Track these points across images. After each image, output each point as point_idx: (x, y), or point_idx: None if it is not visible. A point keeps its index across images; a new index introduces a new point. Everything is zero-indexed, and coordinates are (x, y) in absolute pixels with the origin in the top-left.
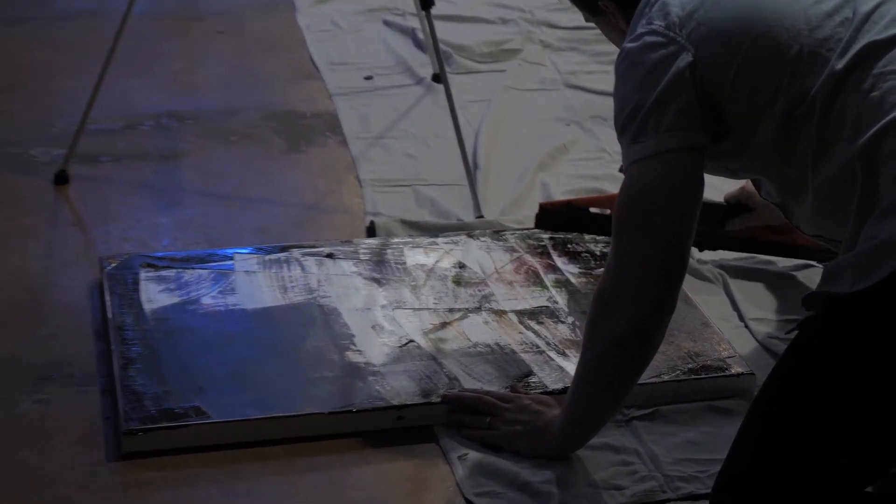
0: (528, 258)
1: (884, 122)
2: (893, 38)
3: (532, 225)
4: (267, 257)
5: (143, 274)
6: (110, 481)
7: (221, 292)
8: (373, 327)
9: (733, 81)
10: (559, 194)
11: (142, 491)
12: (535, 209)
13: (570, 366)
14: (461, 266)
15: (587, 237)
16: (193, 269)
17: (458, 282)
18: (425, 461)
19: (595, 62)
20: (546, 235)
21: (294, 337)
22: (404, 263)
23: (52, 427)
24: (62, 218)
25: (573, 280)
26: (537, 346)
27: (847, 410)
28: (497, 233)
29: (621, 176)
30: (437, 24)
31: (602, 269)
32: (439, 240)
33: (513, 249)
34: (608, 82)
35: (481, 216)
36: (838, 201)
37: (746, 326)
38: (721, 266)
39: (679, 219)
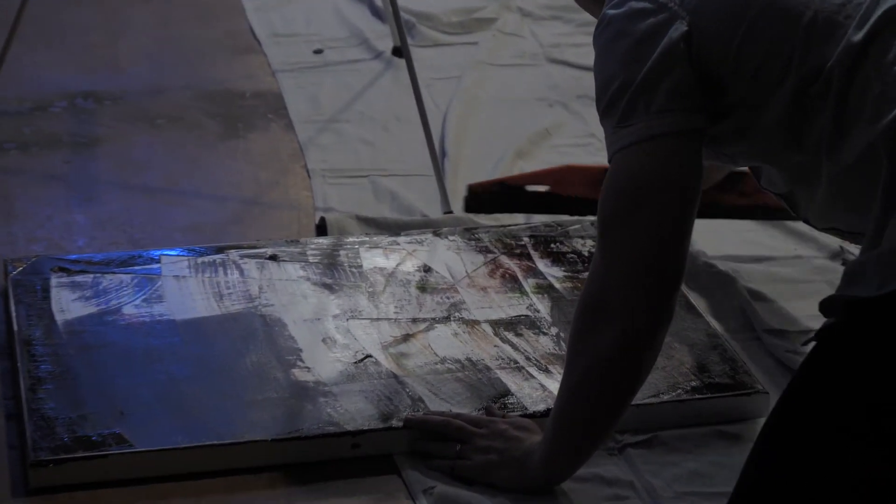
0: (505, 260)
1: None
2: None
3: (508, 221)
4: (199, 260)
5: (54, 280)
6: None
7: (146, 300)
8: (323, 341)
9: (736, 55)
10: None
11: None
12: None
13: (554, 384)
14: (426, 269)
15: (573, 237)
16: (113, 273)
17: (422, 288)
18: (385, 496)
19: (582, 33)
20: (526, 235)
21: (231, 352)
22: (360, 267)
23: None
24: None
25: (557, 285)
26: (515, 362)
27: (871, 439)
28: (468, 231)
29: None
30: None
31: None
32: (401, 239)
33: (487, 250)
34: None
35: (450, 211)
36: (858, 191)
37: (760, 338)
38: (732, 268)
39: (675, 213)
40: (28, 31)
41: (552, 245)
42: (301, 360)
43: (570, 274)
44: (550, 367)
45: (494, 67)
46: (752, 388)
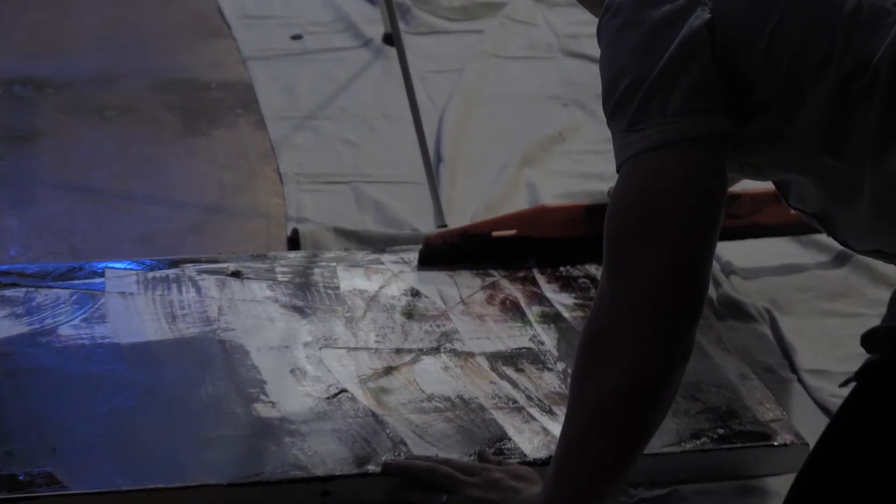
0: (506, 284)
1: None
2: None
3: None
4: (150, 274)
5: None
6: None
7: (86, 320)
8: (291, 372)
9: (766, 47)
10: (550, 197)
11: None
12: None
13: (558, 427)
14: (414, 293)
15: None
16: (50, 287)
17: (409, 314)
18: None
19: None
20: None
21: (184, 382)
22: (337, 288)
23: None
24: None
25: (566, 314)
26: (514, 401)
27: None
28: None
29: None
30: None
31: None
32: (386, 257)
33: (486, 273)
34: None
35: (444, 226)
36: None
37: (800, 380)
38: (770, 297)
39: (696, 232)
40: None
41: (561, 268)
42: (265, 394)
43: (580, 301)
44: (555, 409)
45: (501, 60)
46: (789, 438)
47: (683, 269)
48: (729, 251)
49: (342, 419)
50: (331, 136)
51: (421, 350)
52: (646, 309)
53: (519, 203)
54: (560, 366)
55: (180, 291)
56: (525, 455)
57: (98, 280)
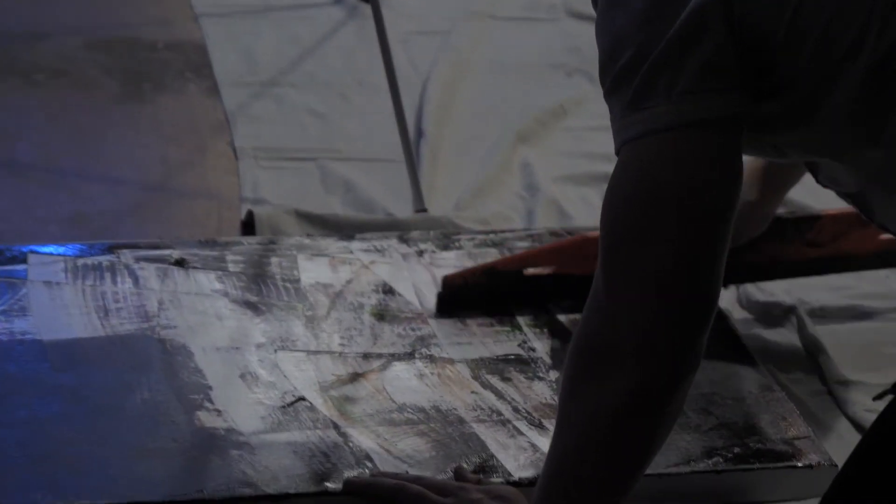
0: None
1: None
2: None
3: (500, 225)
4: (81, 261)
5: None
6: None
7: (5, 313)
8: (242, 376)
9: (792, 20)
10: (547, 181)
11: None
12: (508, 200)
13: (549, 443)
14: (387, 290)
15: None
16: None
17: (380, 315)
18: None
19: None
20: (525, 245)
21: (117, 386)
22: (297, 281)
23: None
24: None
25: (561, 317)
26: (499, 413)
27: None
28: (447, 237)
29: None
30: None
31: None
32: (355, 245)
33: (471, 265)
34: None
35: (424, 210)
36: None
37: (830, 392)
38: (798, 299)
39: (706, 227)
40: None
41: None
42: (210, 401)
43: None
44: (545, 422)
45: (495, 21)
46: (815, 457)
47: (692, 272)
48: None
49: (299, 431)
50: (295, 106)
51: (392, 355)
52: (648, 317)
53: (512, 186)
54: (553, 375)
55: (115, 282)
56: (510, 474)
57: (19, 267)
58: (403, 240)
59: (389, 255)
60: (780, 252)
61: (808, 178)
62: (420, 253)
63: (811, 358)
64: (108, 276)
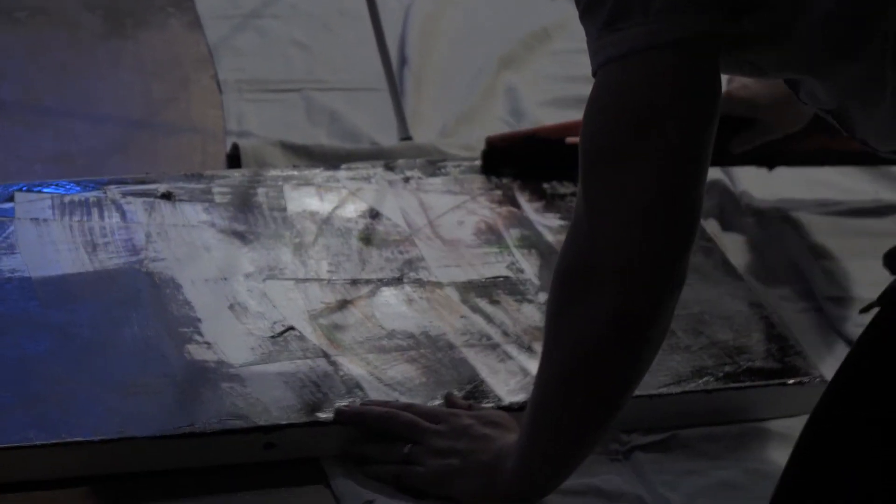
0: (482, 203)
1: None
2: None
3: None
4: (67, 198)
5: None
6: None
7: None
8: (231, 307)
9: None
10: (532, 105)
11: None
12: (494, 126)
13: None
14: (374, 215)
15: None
16: None
17: (367, 239)
18: None
19: None
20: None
21: (105, 321)
22: (284, 210)
23: None
24: None
25: (550, 237)
26: (489, 337)
27: None
28: (433, 164)
29: None
30: None
31: None
32: (341, 174)
33: (457, 190)
34: None
35: (409, 138)
36: None
37: (821, 308)
38: (787, 216)
39: (686, 147)
40: None
41: (545, 185)
42: (199, 333)
43: (567, 223)
44: (535, 345)
45: None
46: (806, 374)
47: (672, 191)
48: (743, 170)
49: (289, 361)
50: (278, 38)
51: (381, 280)
52: (630, 236)
53: (498, 112)
54: (542, 297)
55: (102, 217)
56: (500, 398)
57: (6, 205)
58: (389, 168)
59: (376, 183)
60: (829, 143)
61: None
62: (406, 180)
63: (802, 276)
64: (94, 211)
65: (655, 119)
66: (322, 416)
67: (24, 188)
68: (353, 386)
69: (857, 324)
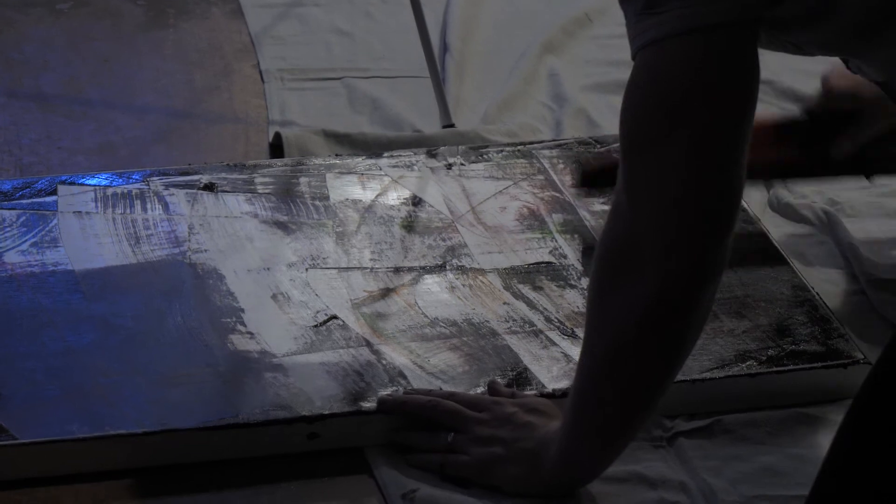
0: (525, 189)
1: None
2: None
3: (528, 137)
4: (110, 191)
5: None
6: None
7: (36, 245)
8: (273, 297)
9: None
10: (575, 90)
11: None
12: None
13: None
14: (416, 202)
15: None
16: None
17: (409, 227)
18: (351, 503)
19: None
20: (553, 155)
21: (149, 313)
22: (326, 199)
23: None
24: None
25: (592, 222)
26: (531, 324)
27: None
28: (476, 150)
29: None
30: None
31: None
32: (383, 162)
33: (499, 176)
34: None
35: (451, 125)
36: None
37: (864, 292)
38: (827, 197)
39: (726, 130)
40: None
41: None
42: (242, 324)
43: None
44: (578, 331)
45: None
46: (850, 357)
47: (712, 173)
48: None
49: (332, 350)
50: (320, 26)
51: (423, 268)
52: (670, 218)
53: (539, 97)
54: (584, 282)
55: (144, 209)
56: (543, 385)
57: (49, 198)
58: (432, 155)
59: (418, 170)
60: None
61: None
62: (448, 166)
63: (844, 258)
64: (137, 203)
65: (691, 103)
66: (365, 405)
67: (66, 180)
68: (396, 375)
69: None
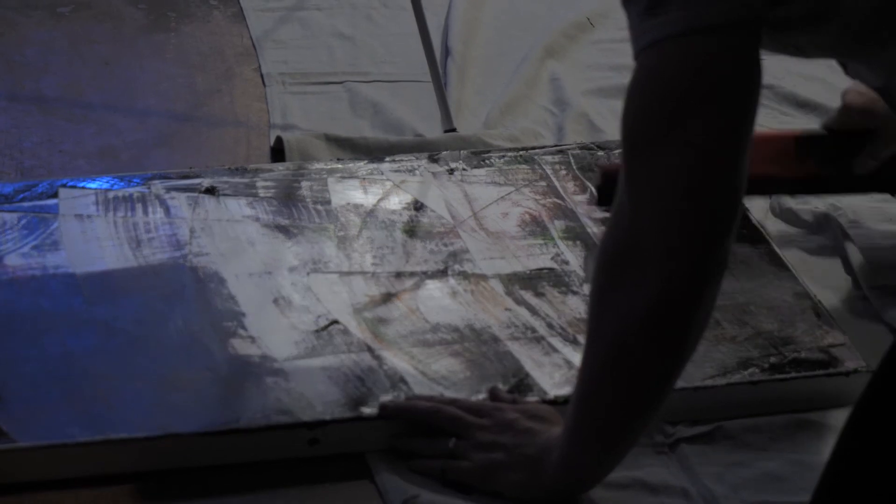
0: (527, 195)
1: None
2: None
3: (530, 141)
4: (111, 194)
5: None
6: None
7: (37, 248)
8: (275, 301)
9: None
10: (577, 94)
11: None
12: (537, 116)
13: None
14: (418, 207)
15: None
16: None
17: (411, 231)
18: None
19: None
20: (556, 161)
21: (150, 317)
22: (328, 203)
23: None
24: None
25: (593, 229)
26: (534, 330)
27: None
28: (477, 155)
29: None
30: None
31: None
32: (385, 166)
33: (501, 182)
34: None
35: (453, 129)
36: None
37: (867, 298)
38: (828, 202)
39: (728, 131)
40: None
41: (591, 173)
42: (243, 328)
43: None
44: (580, 338)
45: None
46: (851, 364)
47: (709, 176)
48: None
49: (333, 355)
50: (321, 30)
51: (425, 273)
52: (669, 220)
53: (541, 102)
54: (586, 289)
55: (146, 212)
56: (545, 392)
57: (50, 202)
58: (434, 159)
59: (420, 175)
60: None
61: None
62: (450, 171)
63: (846, 264)
64: (138, 206)
65: (692, 104)
66: (366, 410)
67: (67, 184)
68: (398, 380)
69: None
